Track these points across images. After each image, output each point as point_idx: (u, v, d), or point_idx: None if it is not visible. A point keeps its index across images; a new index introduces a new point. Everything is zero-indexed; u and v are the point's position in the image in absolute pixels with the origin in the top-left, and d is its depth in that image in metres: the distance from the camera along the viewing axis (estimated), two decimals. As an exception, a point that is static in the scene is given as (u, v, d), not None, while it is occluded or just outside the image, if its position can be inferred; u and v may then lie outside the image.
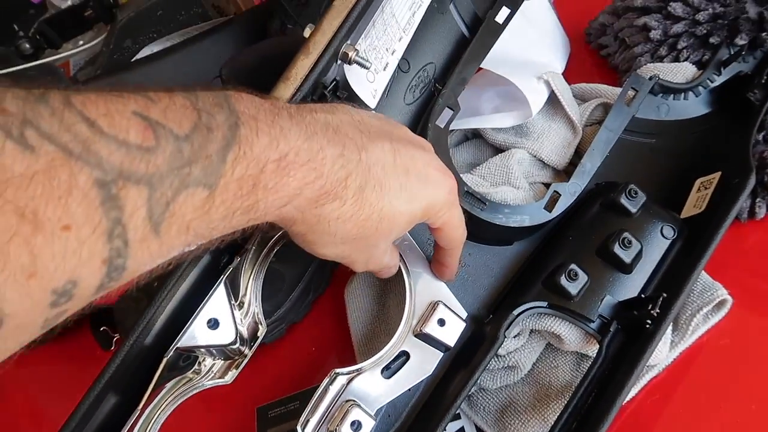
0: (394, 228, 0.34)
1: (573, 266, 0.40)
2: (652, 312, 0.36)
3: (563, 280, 0.40)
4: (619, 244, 0.39)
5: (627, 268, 0.40)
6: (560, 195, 0.45)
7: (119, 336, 0.54)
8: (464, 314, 0.43)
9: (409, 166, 0.34)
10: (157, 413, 0.39)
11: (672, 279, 0.40)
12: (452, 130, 0.56)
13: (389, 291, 0.51)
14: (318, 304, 0.56)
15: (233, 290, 0.40)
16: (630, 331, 0.38)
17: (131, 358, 0.35)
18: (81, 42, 0.86)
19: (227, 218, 0.26)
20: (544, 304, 0.40)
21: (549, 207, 0.44)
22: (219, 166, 0.25)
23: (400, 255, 0.44)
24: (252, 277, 0.41)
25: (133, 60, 0.75)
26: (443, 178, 0.36)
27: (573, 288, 0.40)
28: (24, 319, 0.20)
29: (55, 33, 0.84)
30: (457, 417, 0.44)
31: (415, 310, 0.43)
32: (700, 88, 0.51)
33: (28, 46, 0.81)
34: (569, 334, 0.40)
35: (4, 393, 0.65)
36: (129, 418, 0.36)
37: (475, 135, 0.55)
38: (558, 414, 0.40)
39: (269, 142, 0.27)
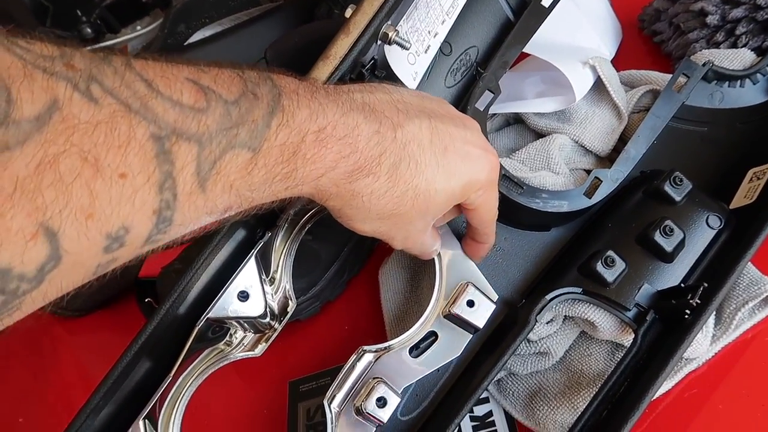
0: (430, 206, 0.34)
1: (610, 253, 0.39)
2: (691, 302, 0.35)
3: (599, 267, 0.38)
4: (660, 231, 0.38)
5: (668, 257, 0.38)
6: (601, 181, 0.43)
7: (161, 306, 0.56)
8: (495, 297, 0.43)
9: (448, 144, 0.34)
10: (190, 381, 0.40)
11: (716, 270, 0.38)
12: (494, 115, 0.55)
13: (423, 273, 0.51)
14: (352, 284, 0.57)
15: (264, 265, 0.40)
16: (668, 322, 0.37)
17: (165, 326, 0.36)
18: (138, 27, 0.90)
19: (267, 183, 0.27)
20: (579, 290, 0.39)
21: (589, 193, 0.43)
22: (263, 130, 0.26)
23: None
24: (283, 253, 0.42)
25: (185, 44, 0.77)
26: (484, 155, 0.36)
27: (609, 275, 0.38)
28: (79, 258, 0.21)
29: (115, 18, 0.87)
30: (485, 401, 0.44)
31: (445, 291, 0.43)
32: (759, 75, 0.48)
33: (89, 30, 0.85)
34: (604, 321, 0.39)
35: (58, 359, 0.68)
36: (161, 384, 0.38)
37: (517, 120, 0.54)
38: (587, 401, 0.39)
39: (309, 114, 0.29)
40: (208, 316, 0.37)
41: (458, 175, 0.34)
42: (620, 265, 0.39)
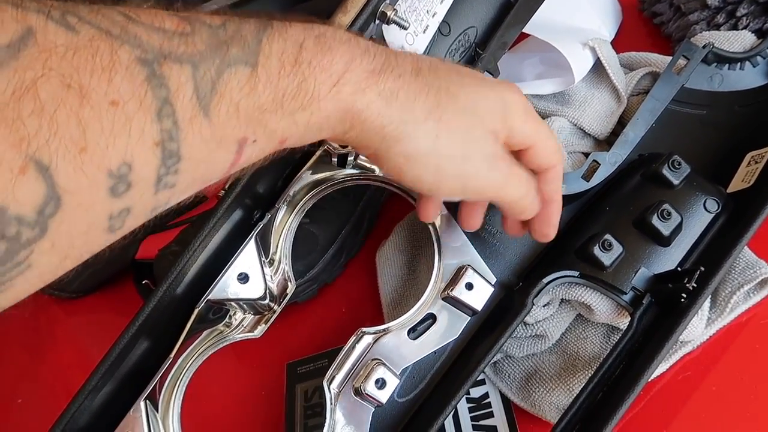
0: (486, 105, 0.30)
1: (607, 236, 0.39)
2: (688, 285, 0.35)
3: (596, 250, 0.39)
4: (657, 215, 0.38)
5: (665, 241, 0.39)
6: (599, 165, 0.43)
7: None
8: (493, 280, 0.43)
9: (463, 74, 0.31)
10: (189, 362, 0.40)
11: (712, 254, 0.39)
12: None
13: (420, 256, 0.51)
14: (350, 267, 0.57)
15: (264, 247, 0.40)
16: (664, 305, 0.37)
17: (163, 307, 0.37)
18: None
19: (278, 103, 0.25)
20: (576, 273, 0.39)
21: (587, 176, 0.43)
22: (255, 45, 0.25)
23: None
24: (282, 235, 0.42)
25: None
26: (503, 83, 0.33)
27: (606, 258, 0.39)
28: (83, 199, 0.20)
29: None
30: (481, 383, 0.44)
31: (444, 274, 0.43)
32: (759, 57, 0.48)
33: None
34: (600, 305, 0.39)
35: (55, 340, 0.68)
36: (162, 364, 0.38)
37: (515, 102, 0.54)
38: (582, 383, 0.40)
39: (303, 28, 0.27)
40: (208, 297, 0.37)
41: (495, 90, 0.31)
42: (617, 248, 0.39)
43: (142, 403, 0.36)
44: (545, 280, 0.39)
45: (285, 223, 0.42)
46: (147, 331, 0.36)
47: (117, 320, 0.66)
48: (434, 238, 0.44)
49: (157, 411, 0.38)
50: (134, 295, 0.65)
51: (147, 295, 0.63)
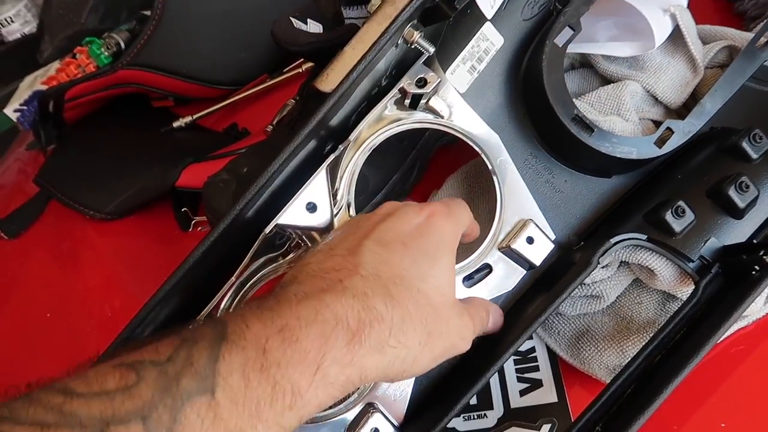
0: (437, 286, 0.32)
1: (681, 203, 0.38)
2: (763, 258, 0.35)
3: (668, 216, 0.38)
4: (735, 187, 0.38)
5: (738, 213, 0.38)
6: (673, 132, 0.43)
7: (207, 217, 0.55)
8: (553, 237, 0.43)
9: (409, 248, 0.32)
10: (247, 287, 0.40)
11: (784, 231, 0.38)
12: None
13: (473, 209, 0.51)
14: (396, 215, 0.56)
15: (331, 179, 0.40)
16: (731, 277, 0.37)
17: (234, 228, 0.36)
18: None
19: (254, 416, 0.24)
20: (644, 237, 0.39)
21: (659, 143, 0.43)
22: (210, 369, 0.24)
23: (494, 171, 0.43)
24: (348, 170, 0.42)
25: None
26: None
27: (678, 225, 0.38)
28: None
29: None
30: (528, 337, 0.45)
31: (504, 226, 0.43)
32: (840, 41, 0.47)
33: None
34: (664, 270, 0.39)
35: (85, 260, 0.68)
36: (222, 286, 0.38)
37: (582, 64, 0.52)
38: (637, 347, 0.40)
39: (263, 324, 0.26)
40: (277, 222, 0.37)
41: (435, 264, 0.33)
42: (689, 216, 0.38)
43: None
44: (612, 241, 0.39)
45: (351, 159, 0.41)
46: (215, 251, 0.36)
47: (150, 246, 0.67)
48: (497, 190, 0.43)
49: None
50: (171, 221, 0.65)
51: (184, 224, 0.63)
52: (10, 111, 0.83)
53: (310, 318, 0.27)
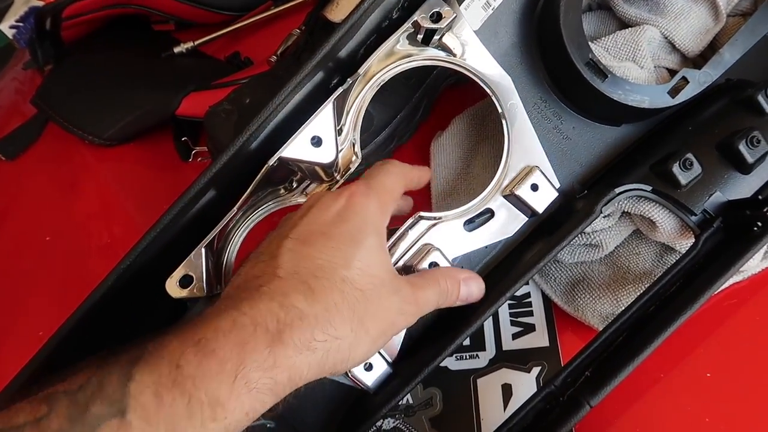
0: (361, 240, 0.32)
1: (689, 155, 0.38)
2: (767, 213, 0.34)
3: (675, 168, 0.38)
4: (746, 141, 0.37)
5: (746, 168, 0.38)
6: (688, 82, 0.42)
7: (208, 147, 0.55)
8: (558, 184, 0.43)
9: (330, 236, 0.32)
10: (248, 218, 0.40)
11: (788, 189, 0.38)
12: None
13: (477, 152, 0.50)
14: (397, 153, 0.56)
15: (338, 114, 0.39)
16: (732, 231, 0.37)
17: (237, 159, 0.36)
18: None
19: None
20: (649, 188, 0.39)
21: (673, 93, 0.41)
22: (121, 391, 0.23)
23: (504, 115, 0.43)
24: (355, 106, 0.41)
25: None
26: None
27: (684, 177, 0.38)
28: None
29: None
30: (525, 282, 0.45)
31: (509, 171, 0.42)
32: None
33: None
34: (665, 222, 0.39)
35: (82, 185, 0.68)
36: (224, 216, 0.38)
37: (600, 6, 0.51)
38: (632, 297, 0.40)
39: (181, 339, 0.26)
40: (280, 155, 0.36)
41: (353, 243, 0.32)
42: (696, 168, 0.38)
43: (202, 250, 0.36)
44: (617, 190, 0.39)
45: (358, 94, 0.40)
46: (218, 181, 0.35)
47: (150, 174, 0.66)
48: (506, 134, 0.43)
49: (215, 260, 0.38)
50: (171, 150, 0.64)
51: (184, 153, 0.63)
52: (6, 27, 0.81)
53: (227, 328, 0.26)
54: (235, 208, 0.37)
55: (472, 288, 0.38)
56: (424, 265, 0.39)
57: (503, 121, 0.43)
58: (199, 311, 0.31)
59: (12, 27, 0.78)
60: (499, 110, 0.43)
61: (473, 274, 0.39)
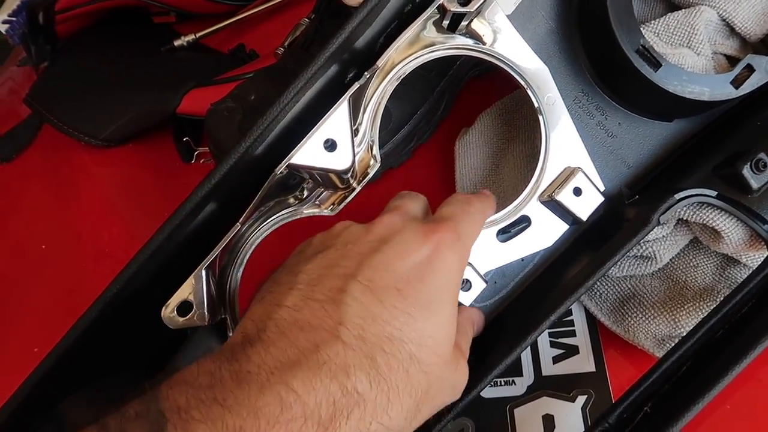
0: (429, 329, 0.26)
1: (762, 156, 0.33)
2: None
3: (746, 170, 0.33)
4: (830, 139, 0.32)
5: (829, 170, 0.33)
6: (753, 70, 0.36)
7: (209, 149, 0.50)
8: (603, 188, 0.38)
9: (405, 296, 0.26)
10: (255, 234, 0.36)
11: None
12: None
13: (507, 151, 0.45)
14: (418, 152, 0.51)
15: (354, 112, 0.34)
16: (814, 243, 0.32)
17: (241, 167, 0.31)
18: None
19: None
20: (714, 193, 0.34)
21: (736, 83, 0.36)
22: None
23: (541, 110, 0.38)
24: (372, 102, 0.36)
25: None
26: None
27: (756, 181, 0.33)
28: None
29: None
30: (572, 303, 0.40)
31: (546, 174, 0.38)
32: None
33: None
34: (733, 232, 0.34)
35: (80, 189, 0.64)
36: (227, 232, 0.33)
37: (644, -14, 0.45)
38: (691, 317, 0.36)
39: (209, 428, 0.21)
40: (289, 161, 0.31)
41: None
42: (770, 171, 0.33)
43: (203, 272, 0.32)
44: (677, 196, 0.34)
45: (377, 89, 0.36)
46: (218, 193, 0.31)
47: (149, 177, 0.62)
48: (543, 132, 0.38)
49: (217, 280, 0.34)
50: (172, 151, 0.60)
51: (186, 154, 0.58)
52: (-1, 22, 0.76)
53: (273, 415, 0.22)
54: (239, 223, 0.33)
55: (479, 322, 0.35)
56: (456, 283, 0.35)
57: (540, 117, 0.38)
58: (213, 353, 0.24)
59: (5, 22, 0.74)
60: (536, 105, 0.38)
61: (475, 310, 0.35)
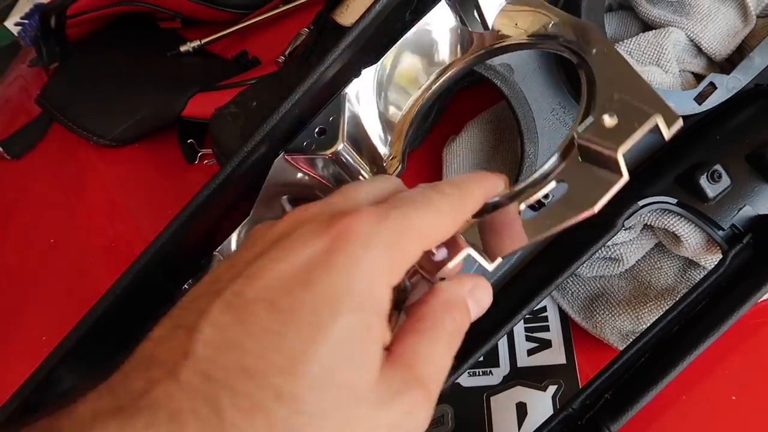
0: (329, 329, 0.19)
1: (718, 167, 0.36)
2: (803, 232, 0.32)
3: (703, 180, 0.36)
4: (778, 152, 0.35)
5: (778, 181, 0.36)
6: (716, 88, 0.39)
7: (213, 151, 0.53)
8: (576, 195, 0.41)
9: (279, 309, 0.19)
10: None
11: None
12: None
13: (494, 159, 0.49)
14: (409, 158, 0.54)
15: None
16: (763, 248, 0.35)
17: (241, 170, 0.34)
18: None
19: None
20: (674, 201, 0.37)
21: (699, 99, 0.39)
22: None
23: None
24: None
25: None
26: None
27: (712, 190, 0.36)
28: None
29: None
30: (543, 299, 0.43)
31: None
32: None
33: None
34: (691, 237, 0.37)
35: (88, 187, 0.66)
36: (238, 225, 0.36)
37: (622, 6, 0.48)
38: (653, 314, 0.39)
39: None
40: (285, 150, 0.35)
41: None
42: (725, 181, 0.36)
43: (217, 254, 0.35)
44: (640, 203, 0.37)
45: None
46: (225, 190, 0.34)
47: (155, 176, 0.65)
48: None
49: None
50: (177, 152, 0.63)
51: (190, 155, 0.61)
52: (11, 24, 0.79)
53: None
54: (244, 223, 0.36)
55: (484, 297, 0.26)
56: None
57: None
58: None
59: (17, 24, 0.77)
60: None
61: (476, 278, 0.26)
